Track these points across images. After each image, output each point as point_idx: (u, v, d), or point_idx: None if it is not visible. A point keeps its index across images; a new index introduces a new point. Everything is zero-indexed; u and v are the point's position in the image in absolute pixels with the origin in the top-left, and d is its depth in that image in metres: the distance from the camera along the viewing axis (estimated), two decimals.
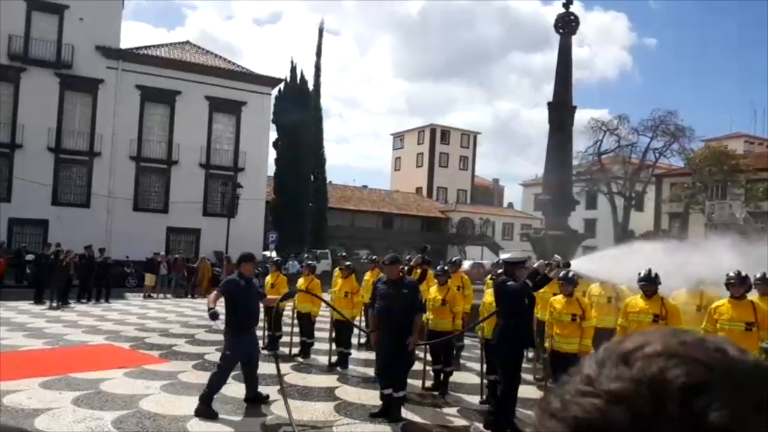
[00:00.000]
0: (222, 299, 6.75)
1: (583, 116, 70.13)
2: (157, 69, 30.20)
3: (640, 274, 8.51)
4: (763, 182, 39.69)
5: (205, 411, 6.17)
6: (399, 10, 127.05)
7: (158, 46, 33.19)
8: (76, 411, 6.20)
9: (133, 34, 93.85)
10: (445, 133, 63.66)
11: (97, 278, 18.59)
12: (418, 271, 9.62)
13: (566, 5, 17.40)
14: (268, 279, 10.58)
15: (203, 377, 8.00)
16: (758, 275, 7.30)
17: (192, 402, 6.72)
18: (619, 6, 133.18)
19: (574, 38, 18.26)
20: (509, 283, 6.28)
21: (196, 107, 30.92)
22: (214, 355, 9.67)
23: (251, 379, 6.74)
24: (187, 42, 35.48)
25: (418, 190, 60.30)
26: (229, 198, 28.47)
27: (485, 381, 7.33)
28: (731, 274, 6.01)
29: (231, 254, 24.61)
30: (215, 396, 6.35)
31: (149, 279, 20.74)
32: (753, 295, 6.21)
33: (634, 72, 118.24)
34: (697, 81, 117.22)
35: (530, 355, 9.79)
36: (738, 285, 5.78)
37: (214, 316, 6.48)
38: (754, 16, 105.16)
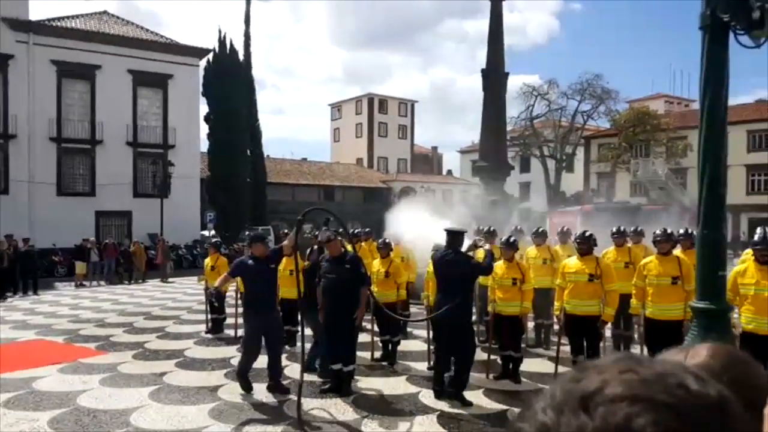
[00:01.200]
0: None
1: (515, 82, 71.32)
2: (73, 42, 28.18)
3: (565, 230, 8.89)
4: (682, 140, 42.01)
5: (242, 384, 6.44)
6: None
7: (73, 17, 30.92)
8: (8, 414, 5.88)
9: (44, 5, 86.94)
10: (383, 103, 63.42)
11: (23, 269, 17.57)
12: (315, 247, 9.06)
13: None
14: (207, 261, 10.31)
15: (145, 367, 7.80)
16: (681, 231, 7.77)
17: (134, 394, 6.53)
18: None
19: (506, 4, 18.43)
20: (470, 255, 6.34)
21: (118, 82, 29.22)
22: (155, 343, 9.43)
23: (271, 365, 6.49)
24: (105, 12, 33.25)
25: (359, 160, 60.08)
26: (161, 177, 27.34)
27: (432, 347, 7.50)
28: (658, 231, 6.35)
29: (166, 236, 23.90)
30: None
31: (80, 267, 19.79)
32: (678, 251, 6.61)
33: (561, 37, 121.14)
34: (620, 45, 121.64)
35: (475, 317, 10.11)
36: (664, 242, 6.12)
37: (212, 295, 7.07)
38: None
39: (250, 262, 6.59)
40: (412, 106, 66.00)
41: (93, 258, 20.40)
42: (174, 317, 12.23)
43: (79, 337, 10.09)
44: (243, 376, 6.43)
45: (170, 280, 20.85)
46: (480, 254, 6.61)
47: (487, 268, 6.41)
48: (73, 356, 8.52)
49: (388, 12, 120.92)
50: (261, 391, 6.54)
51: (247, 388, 6.41)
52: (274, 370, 6.48)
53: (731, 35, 2.75)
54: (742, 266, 5.33)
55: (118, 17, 33.22)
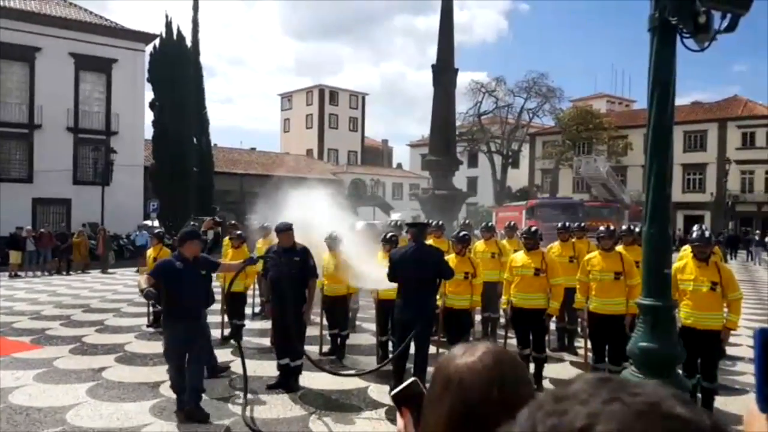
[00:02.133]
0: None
1: (464, 78, 72.30)
2: (10, 22, 26.59)
3: (512, 225, 9.08)
4: (623, 139, 43.74)
5: (191, 414, 5.35)
6: None
7: None
8: None
9: None
10: (334, 94, 62.97)
11: None
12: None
13: None
14: (150, 252, 9.94)
15: (83, 362, 7.46)
16: (623, 228, 8.06)
17: (71, 390, 6.23)
18: None
19: (456, 1, 18.58)
20: (438, 248, 6.25)
21: (59, 65, 27.82)
22: (93, 337, 9.05)
23: (190, 384, 5.40)
24: None
25: (309, 152, 59.48)
26: (102, 164, 26.21)
27: (382, 341, 7.50)
28: (601, 228, 6.55)
29: (107, 225, 22.96)
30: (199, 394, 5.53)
31: (14, 257, 18.77)
32: (620, 247, 6.84)
33: (509, 36, 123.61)
34: (565, 45, 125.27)
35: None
36: (607, 238, 6.32)
37: (148, 295, 5.28)
38: None
39: (178, 264, 5.53)
40: (363, 98, 65.86)
41: (29, 247, 19.38)
42: (114, 310, 11.77)
43: (13, 331, 9.56)
44: (181, 394, 5.44)
45: (111, 270, 20.06)
46: None
47: (452, 272, 6.23)
48: (5, 350, 8.06)
49: (341, 4, 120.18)
50: (208, 388, 6.36)
51: (202, 416, 5.36)
52: (193, 391, 5.38)
53: (678, 38, 2.83)
54: (680, 263, 5.58)
55: None
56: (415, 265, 5.86)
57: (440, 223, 10.70)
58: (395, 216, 32.96)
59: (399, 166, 65.41)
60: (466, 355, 1.00)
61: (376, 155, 65.98)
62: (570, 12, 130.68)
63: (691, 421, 0.44)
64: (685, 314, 5.22)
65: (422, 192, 20.42)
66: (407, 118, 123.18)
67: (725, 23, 2.92)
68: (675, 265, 5.56)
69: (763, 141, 41.07)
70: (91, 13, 31.27)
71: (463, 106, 47.75)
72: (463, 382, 0.97)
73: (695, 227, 5.49)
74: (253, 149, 53.04)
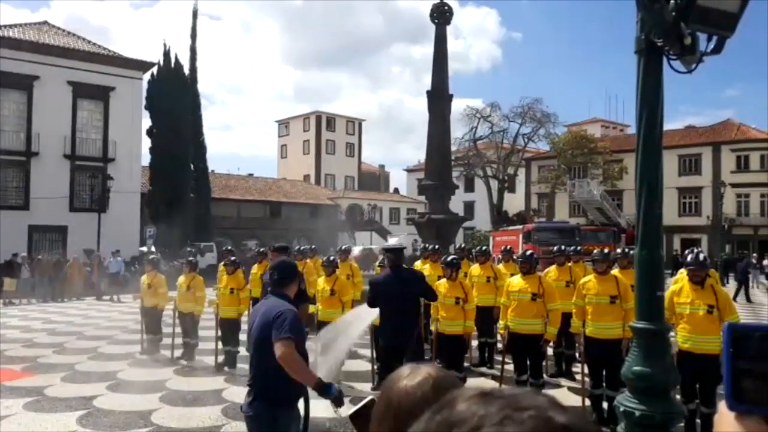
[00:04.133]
0: None
1: (460, 105, 73.12)
2: (9, 51, 26.90)
3: (508, 249, 9.04)
4: (618, 163, 44.02)
5: None
6: None
7: (11, 26, 29.65)
8: None
9: None
10: (331, 120, 63.51)
11: None
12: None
13: None
14: (144, 279, 9.86)
15: (74, 390, 7.34)
16: (619, 250, 8.04)
17: (61, 419, 6.10)
18: (491, 2, 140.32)
19: (451, 31, 18.90)
20: (419, 272, 6.17)
21: (57, 93, 28.03)
22: (86, 365, 8.92)
23: None
24: (45, 22, 32.06)
25: (306, 177, 59.68)
26: (99, 191, 26.22)
27: (376, 367, 7.40)
28: (596, 251, 6.53)
29: (103, 252, 22.85)
30: None
31: (8, 283, 18.62)
32: (616, 270, 6.81)
33: (504, 64, 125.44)
34: (558, 71, 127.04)
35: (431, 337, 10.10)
36: (601, 261, 6.29)
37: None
38: (608, 10, 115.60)
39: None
40: (360, 124, 66.41)
41: (24, 274, 19.24)
42: (108, 337, 11.62)
43: (4, 358, 9.42)
44: None
45: (105, 297, 19.89)
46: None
47: (435, 294, 6.29)
48: None
49: (339, 34, 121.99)
50: (198, 416, 6.25)
51: None
52: None
53: (665, 60, 2.86)
54: (677, 286, 5.54)
55: (59, 28, 32.08)
56: (397, 289, 5.72)
57: (436, 247, 10.69)
58: (392, 241, 32.97)
59: (396, 190, 65.61)
60: (408, 378, 1.03)
61: (373, 180, 66.25)
62: (561, 40, 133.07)
63: (576, 428, 0.48)
64: (682, 338, 5.17)
65: (418, 216, 20.38)
66: (404, 144, 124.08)
67: (711, 45, 2.95)
68: (671, 288, 5.53)
69: (757, 164, 41.36)
70: (89, 42, 31.65)
71: (459, 131, 48.17)
72: (401, 406, 1.00)
73: (689, 251, 5.48)
74: (251, 175, 53.23)
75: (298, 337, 3.16)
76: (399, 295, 5.71)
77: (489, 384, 7.44)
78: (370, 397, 1.16)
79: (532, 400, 0.50)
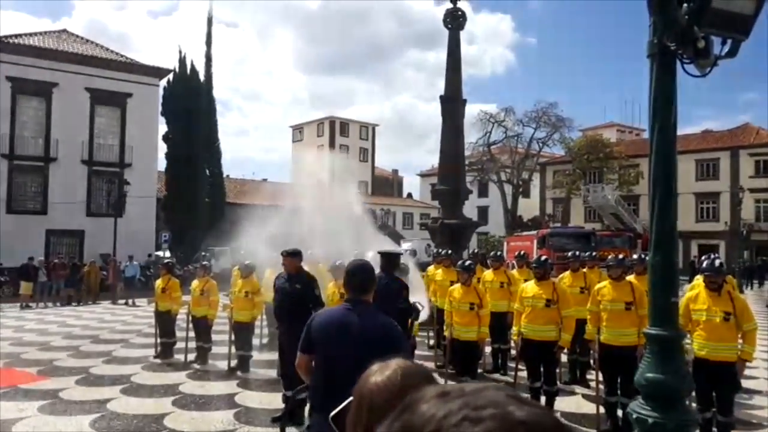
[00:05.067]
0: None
1: (474, 110, 72.78)
2: (30, 59, 27.50)
3: (522, 254, 8.96)
4: (634, 168, 43.56)
5: None
6: (297, 4, 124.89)
7: (31, 34, 30.28)
8: None
9: (10, 24, 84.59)
10: (345, 126, 63.80)
11: None
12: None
13: (453, 1, 17.89)
14: (158, 283, 9.94)
15: (88, 393, 7.41)
16: (635, 256, 7.94)
17: (74, 422, 6.16)
18: (504, 7, 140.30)
19: (465, 37, 18.88)
20: (403, 281, 5.52)
21: (76, 100, 28.54)
22: (101, 368, 9.00)
23: None
24: (64, 30, 32.67)
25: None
26: (116, 196, 26.55)
27: None
28: (610, 257, 6.45)
29: (119, 256, 23.09)
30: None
31: (25, 287, 18.85)
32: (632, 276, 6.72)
33: (518, 68, 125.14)
34: (573, 75, 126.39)
35: (431, 342, 10.03)
36: (616, 267, 6.20)
37: None
38: (621, 14, 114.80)
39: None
40: (373, 129, 66.60)
41: (40, 278, 19.50)
42: (122, 341, 11.72)
43: (20, 361, 9.54)
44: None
45: (121, 301, 20.09)
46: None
47: (417, 314, 5.74)
48: (11, 381, 8.02)
49: (354, 40, 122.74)
50: (210, 420, 6.28)
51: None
52: None
53: (678, 63, 2.82)
54: (693, 292, 5.46)
55: (77, 36, 32.66)
56: (380, 294, 5.62)
57: (449, 252, 10.65)
58: (406, 245, 32.87)
59: (409, 195, 65.60)
60: (377, 374, 1.05)
61: (387, 185, 66.32)
62: (575, 44, 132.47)
63: (534, 423, 0.49)
64: (698, 345, 5.08)
65: (432, 221, 20.33)
66: (418, 149, 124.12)
67: (726, 49, 2.91)
68: (687, 295, 5.44)
69: None
70: (107, 49, 32.17)
71: (472, 136, 47.99)
72: (372, 402, 1.01)
73: (705, 257, 5.39)
74: (265, 179, 53.59)
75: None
76: (383, 303, 5.51)
77: None
78: (350, 399, 1.18)
79: (491, 397, 0.51)
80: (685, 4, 2.82)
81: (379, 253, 5.90)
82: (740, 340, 5.08)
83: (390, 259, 5.72)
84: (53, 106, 28.35)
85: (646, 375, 2.52)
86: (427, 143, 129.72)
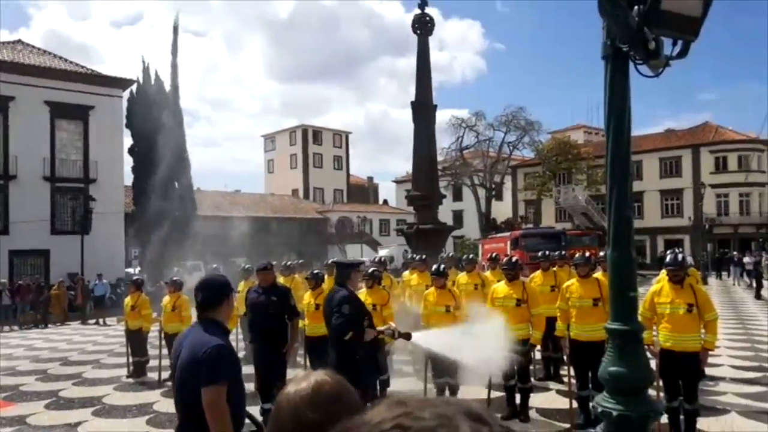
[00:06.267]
0: None
1: (446, 116, 73.55)
2: None
3: (494, 256, 9.06)
4: (601, 168, 44.48)
5: None
6: (267, 11, 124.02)
7: None
8: None
9: None
10: (317, 134, 63.57)
11: None
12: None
13: (421, 6, 18.11)
14: (127, 300, 9.75)
15: (58, 418, 7.21)
16: (602, 254, 8.11)
17: None
18: (474, 13, 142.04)
19: (435, 44, 19.15)
20: (340, 294, 4.99)
21: (34, 114, 27.67)
22: (71, 391, 8.77)
23: None
24: (19, 41, 31.73)
25: (294, 192, 59.57)
26: (81, 213, 25.92)
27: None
28: (577, 255, 6.58)
29: (87, 275, 22.55)
30: None
31: None
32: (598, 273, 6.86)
33: (488, 74, 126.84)
34: (541, 80, 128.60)
35: (410, 347, 10.05)
36: (583, 265, 6.34)
37: None
38: (587, 17, 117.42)
39: None
40: (347, 137, 66.55)
41: (4, 301, 18.93)
42: (93, 361, 11.44)
43: None
44: None
45: (91, 321, 19.61)
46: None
47: (339, 327, 4.92)
48: None
49: (325, 48, 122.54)
50: None
51: None
52: None
53: (631, 65, 2.91)
54: (657, 286, 5.63)
55: (33, 47, 31.76)
56: (328, 310, 5.12)
57: (423, 257, 10.72)
58: (383, 252, 32.89)
59: (385, 202, 65.69)
60: (293, 384, 1.09)
61: (362, 193, 66.29)
62: (543, 49, 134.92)
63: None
64: (663, 337, 5.23)
65: (407, 227, 20.43)
66: (392, 155, 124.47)
67: (677, 49, 3.00)
68: (652, 289, 5.61)
69: (735, 165, 42.07)
70: (66, 60, 31.38)
71: (445, 141, 48.53)
72: (280, 410, 1.05)
73: (669, 251, 5.55)
74: (237, 191, 53.05)
75: (231, 377, 2.70)
76: (328, 316, 5.10)
77: (482, 392, 7.40)
78: None
79: (439, 411, 0.49)
80: (636, 6, 2.91)
81: (333, 263, 5.61)
82: (703, 330, 5.25)
83: (340, 271, 5.29)
84: (10, 120, 27.34)
85: (608, 369, 2.58)
86: (402, 150, 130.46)
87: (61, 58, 31.45)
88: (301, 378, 1.12)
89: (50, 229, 27.86)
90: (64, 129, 29.18)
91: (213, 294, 2.90)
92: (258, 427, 2.91)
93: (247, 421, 3.10)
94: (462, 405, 0.52)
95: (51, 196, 28.26)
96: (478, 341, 4.29)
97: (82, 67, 31.19)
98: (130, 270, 26.32)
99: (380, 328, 5.31)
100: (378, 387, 7.20)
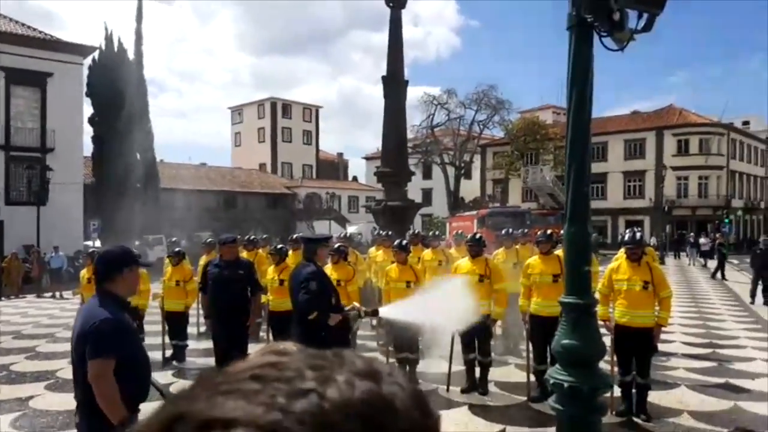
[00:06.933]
0: None
1: (419, 92, 73.08)
2: None
3: (459, 233, 9.10)
4: None
5: None
6: None
7: None
8: None
9: None
10: (287, 107, 62.37)
11: None
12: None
13: None
14: (83, 273, 9.45)
15: (9, 392, 6.99)
16: (563, 231, 8.22)
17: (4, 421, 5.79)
18: None
19: (410, 19, 18.84)
20: (308, 270, 4.85)
21: None
22: (23, 365, 8.50)
23: None
24: None
25: (262, 166, 58.65)
26: (38, 183, 25.00)
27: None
28: (539, 233, 6.65)
29: (44, 247, 21.86)
30: None
31: None
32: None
33: (462, 52, 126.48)
34: (513, 59, 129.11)
35: (374, 322, 10.08)
36: (545, 242, 6.41)
37: None
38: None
39: None
40: (317, 111, 65.57)
41: None
42: (48, 335, 11.12)
43: None
44: None
45: (47, 294, 19.07)
46: None
47: (305, 303, 4.80)
48: None
49: (298, 21, 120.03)
50: (145, 413, 6.04)
51: None
52: None
53: (596, 37, 2.87)
54: (615, 263, 5.74)
55: None
56: (295, 284, 4.96)
57: (389, 233, 10.69)
58: (351, 229, 32.79)
59: (355, 179, 65.32)
60: (249, 358, 1.01)
61: (332, 169, 65.68)
62: (516, 27, 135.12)
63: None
64: (619, 313, 5.34)
65: (375, 204, 20.33)
66: (363, 132, 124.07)
67: (642, 23, 2.97)
68: (610, 266, 5.72)
69: (696, 148, 43.16)
70: (23, 25, 29.94)
71: (417, 118, 48.36)
72: None
73: (628, 230, 5.64)
74: (203, 164, 51.96)
75: (118, 352, 2.64)
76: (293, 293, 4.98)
77: (443, 366, 7.46)
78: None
79: (317, 360, 0.44)
80: None
81: (300, 238, 5.38)
82: (657, 307, 5.37)
83: (307, 245, 5.16)
84: None
85: (561, 342, 2.59)
86: (373, 126, 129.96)
87: (18, 22, 29.94)
88: (261, 351, 1.07)
89: (4, 199, 26.84)
90: (21, 96, 27.97)
91: (108, 266, 2.86)
92: (161, 394, 2.81)
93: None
94: (352, 361, 0.44)
95: (5, 165, 27.17)
96: (444, 297, 4.29)
97: (41, 32, 29.80)
98: (89, 243, 25.59)
99: (345, 308, 5.24)
100: None
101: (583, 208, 2.72)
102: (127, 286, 2.88)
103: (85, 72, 29.74)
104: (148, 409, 3.19)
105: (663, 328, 5.54)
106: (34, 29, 29.97)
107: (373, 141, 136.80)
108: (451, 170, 48.22)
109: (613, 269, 5.55)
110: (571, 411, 2.40)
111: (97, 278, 2.87)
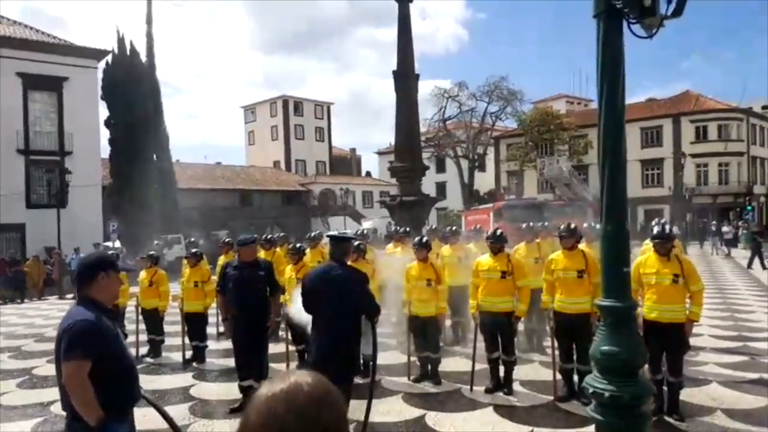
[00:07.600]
0: None
1: (429, 86, 72.69)
2: None
3: (478, 228, 8.94)
4: (583, 138, 44.56)
5: None
6: None
7: None
8: None
9: None
10: (299, 105, 62.51)
11: None
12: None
13: None
14: (143, 276, 9.45)
15: (31, 397, 7.01)
16: (585, 225, 8.02)
17: (15, 428, 5.80)
18: None
19: (417, 13, 18.63)
20: (359, 271, 4.56)
21: (6, 86, 26.79)
22: (45, 369, 8.53)
23: None
24: None
25: (276, 164, 58.85)
26: (57, 186, 25.30)
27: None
28: (562, 227, 6.47)
29: (65, 249, 22.10)
30: None
31: None
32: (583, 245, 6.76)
33: (470, 44, 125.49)
34: (523, 49, 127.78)
35: (393, 319, 9.98)
36: (568, 237, 6.22)
37: None
38: None
39: None
40: (329, 108, 65.59)
41: None
42: None
43: None
44: None
45: (69, 296, 19.28)
46: None
47: (375, 307, 4.53)
48: None
49: (304, 19, 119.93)
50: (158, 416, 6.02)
51: None
52: None
53: (625, 24, 2.72)
54: (643, 257, 5.55)
55: (4, 17, 30.59)
56: (329, 291, 4.39)
57: (407, 230, 10.56)
58: (366, 224, 32.71)
59: (368, 174, 65.26)
60: (267, 386, 1.05)
61: (345, 164, 65.70)
62: (524, 17, 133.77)
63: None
64: (648, 308, 5.16)
65: (390, 199, 20.21)
66: (375, 127, 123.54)
67: (672, 7, 2.82)
68: (637, 261, 5.52)
69: (715, 134, 42.35)
70: (37, 31, 30.33)
71: (428, 112, 48.13)
72: (251, 414, 1.00)
73: (654, 222, 5.45)
74: (218, 163, 52.25)
75: (95, 354, 2.62)
76: (331, 299, 4.37)
77: (463, 364, 7.36)
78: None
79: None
80: None
81: (328, 236, 5.02)
82: (687, 301, 5.19)
83: (337, 245, 4.66)
84: None
85: (601, 348, 2.46)
86: (384, 121, 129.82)
87: (33, 29, 30.39)
88: (277, 378, 1.04)
89: (26, 203, 27.25)
90: (38, 101, 28.39)
91: (83, 272, 2.89)
92: (161, 413, 2.77)
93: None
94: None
95: (26, 169, 27.57)
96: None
97: (55, 38, 30.18)
98: (109, 243, 25.84)
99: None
100: (306, 357, 6.66)
101: (621, 205, 2.58)
102: (106, 292, 2.87)
103: (100, 75, 30.03)
104: (138, 414, 3.15)
105: (694, 323, 5.35)
106: (49, 35, 30.35)
107: (384, 135, 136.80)
108: (464, 163, 47.89)
109: (641, 263, 5.36)
110: (612, 422, 2.26)
111: (77, 286, 2.93)
